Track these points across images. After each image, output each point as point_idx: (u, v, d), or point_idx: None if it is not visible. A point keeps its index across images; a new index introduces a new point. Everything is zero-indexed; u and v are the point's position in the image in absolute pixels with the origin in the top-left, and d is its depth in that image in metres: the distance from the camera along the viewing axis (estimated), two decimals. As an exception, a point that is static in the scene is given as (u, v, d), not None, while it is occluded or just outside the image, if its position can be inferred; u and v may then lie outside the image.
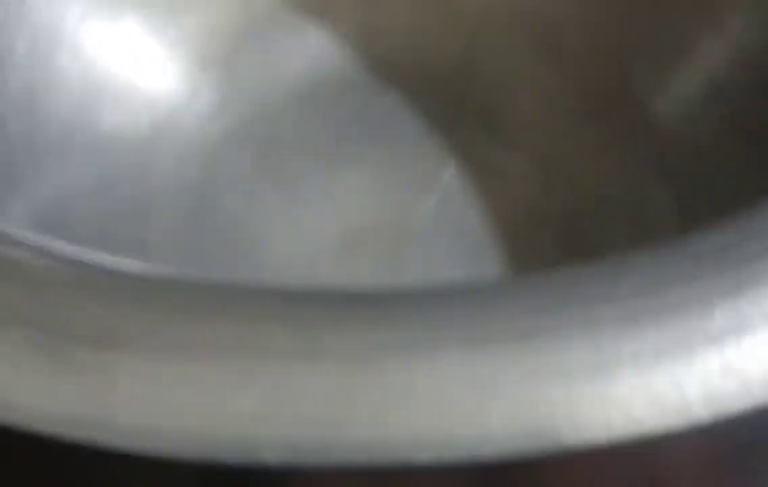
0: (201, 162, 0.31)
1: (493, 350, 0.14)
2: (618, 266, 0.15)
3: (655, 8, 0.30)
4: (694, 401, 0.13)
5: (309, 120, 0.32)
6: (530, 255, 0.29)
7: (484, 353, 0.14)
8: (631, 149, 0.29)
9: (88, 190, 0.29)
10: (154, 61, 0.31)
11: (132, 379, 0.13)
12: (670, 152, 0.29)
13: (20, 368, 0.13)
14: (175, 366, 0.13)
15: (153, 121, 0.31)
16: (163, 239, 0.29)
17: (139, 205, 0.30)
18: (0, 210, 0.26)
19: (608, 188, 0.29)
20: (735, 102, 0.28)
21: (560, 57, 0.32)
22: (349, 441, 0.13)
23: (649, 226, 0.28)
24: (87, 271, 0.15)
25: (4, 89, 0.29)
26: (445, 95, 0.32)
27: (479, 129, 0.32)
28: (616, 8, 0.31)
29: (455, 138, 0.31)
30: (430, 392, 0.13)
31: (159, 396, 0.13)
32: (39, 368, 0.13)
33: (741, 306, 0.14)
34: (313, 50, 0.33)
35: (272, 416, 0.13)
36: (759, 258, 0.14)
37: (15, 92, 0.29)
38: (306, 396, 0.13)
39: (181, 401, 0.13)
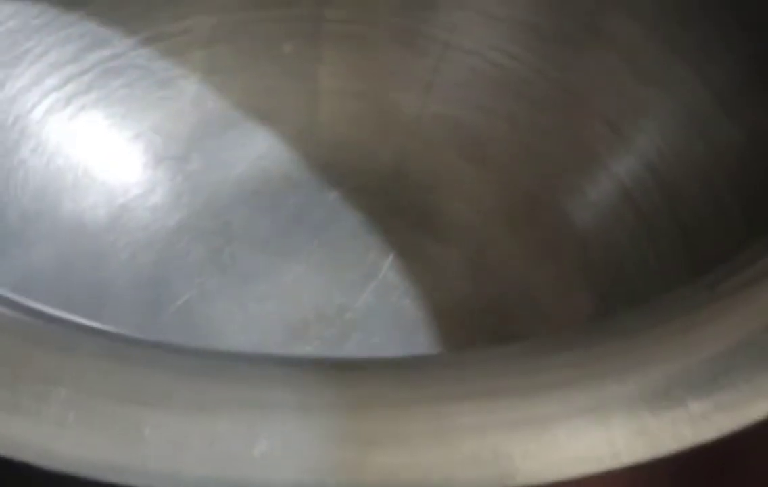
0: (155, 252, 0.33)
1: (461, 406, 0.16)
2: (547, 344, 0.18)
3: (570, 126, 0.34)
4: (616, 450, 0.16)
5: (257, 215, 0.34)
6: (460, 343, 0.32)
7: (451, 408, 0.16)
8: (553, 250, 0.33)
9: (47, 274, 0.31)
10: (113, 155, 0.33)
11: (157, 431, 0.15)
12: (588, 253, 0.32)
13: (65, 423, 0.15)
14: (192, 420, 0.16)
15: (110, 212, 0.33)
16: (118, 325, 0.31)
17: (95, 291, 0.31)
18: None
19: (532, 285, 0.32)
20: (643, 208, 0.31)
21: (487, 165, 0.35)
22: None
23: (569, 321, 0.31)
24: (108, 339, 0.17)
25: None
26: (382, 195, 0.35)
27: (413, 226, 0.34)
28: (537, 124, 0.34)
29: (391, 234, 0.34)
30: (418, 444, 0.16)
31: (180, 446, 0.15)
32: (80, 421, 0.15)
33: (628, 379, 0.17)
34: (261, 150, 0.35)
35: (276, 463, 0.15)
36: (642, 346, 0.18)
37: (-21, 182, 0.30)
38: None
39: (200, 450, 0.15)
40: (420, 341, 0.31)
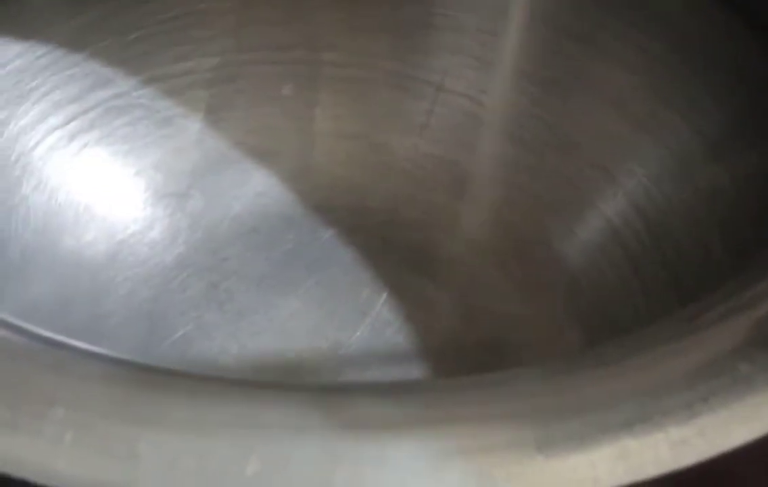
0: (153, 287, 0.33)
1: (448, 430, 0.17)
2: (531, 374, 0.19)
3: (560, 167, 0.35)
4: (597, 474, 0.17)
5: (254, 252, 0.35)
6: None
7: (439, 431, 0.17)
8: (543, 288, 0.33)
9: (47, 308, 0.31)
10: (114, 191, 0.34)
11: (151, 449, 0.16)
12: (577, 291, 0.33)
13: (62, 442, 0.15)
14: (186, 439, 0.16)
15: (109, 248, 0.33)
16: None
17: (93, 324, 0.32)
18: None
19: (522, 322, 0.33)
20: (631, 248, 0.32)
21: (479, 205, 0.36)
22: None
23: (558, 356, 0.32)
24: (105, 362, 0.17)
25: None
26: (376, 234, 0.36)
27: (407, 264, 0.35)
28: (528, 165, 0.35)
29: (385, 272, 0.35)
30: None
31: (175, 464, 0.16)
32: (76, 440, 0.15)
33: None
34: (259, 189, 0.36)
35: (269, 482, 0.16)
36: (624, 374, 0.18)
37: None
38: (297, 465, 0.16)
39: (194, 469, 0.16)
40: (413, 376, 0.32)
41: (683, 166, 0.32)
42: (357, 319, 0.33)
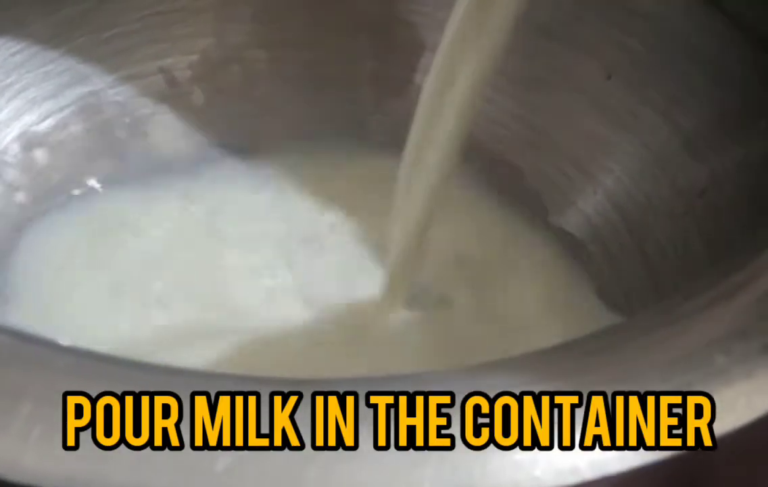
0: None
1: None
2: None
3: (539, 166, 0.35)
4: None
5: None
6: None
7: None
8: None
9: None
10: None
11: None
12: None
13: (29, 437, 0.15)
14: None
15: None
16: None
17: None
18: None
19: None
20: (610, 245, 0.32)
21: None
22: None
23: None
24: (75, 356, 0.17)
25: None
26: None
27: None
28: (507, 163, 0.35)
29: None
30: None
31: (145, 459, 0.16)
32: (44, 435, 0.15)
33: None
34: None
35: (239, 479, 0.16)
36: (599, 366, 0.18)
37: None
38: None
39: (165, 464, 0.16)
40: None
41: (662, 164, 0.32)
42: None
